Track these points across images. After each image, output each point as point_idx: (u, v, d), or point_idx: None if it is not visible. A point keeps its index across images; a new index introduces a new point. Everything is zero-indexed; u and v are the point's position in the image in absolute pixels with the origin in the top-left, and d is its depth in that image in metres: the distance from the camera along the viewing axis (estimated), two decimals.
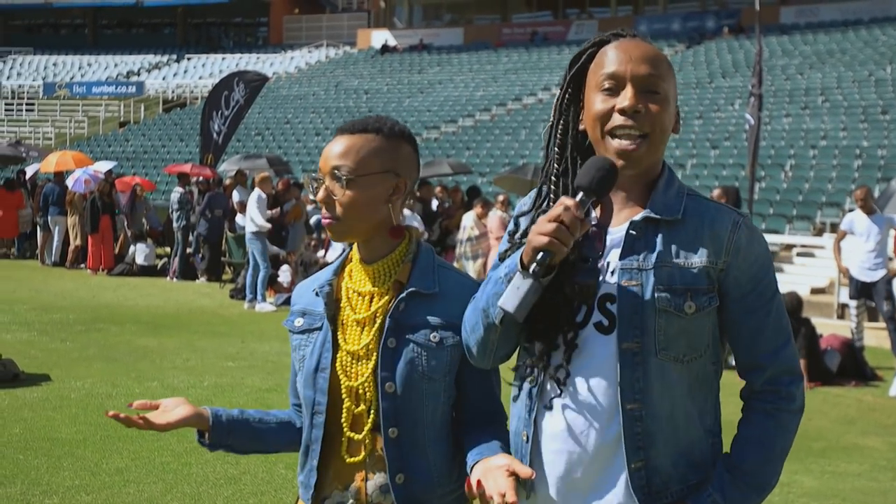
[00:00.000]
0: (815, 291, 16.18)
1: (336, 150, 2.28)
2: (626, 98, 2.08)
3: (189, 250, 18.71)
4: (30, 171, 24.24)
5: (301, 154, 32.49)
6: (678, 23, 45.22)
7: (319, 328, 2.33)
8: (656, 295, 2.06)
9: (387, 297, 2.30)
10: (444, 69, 43.43)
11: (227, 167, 21.82)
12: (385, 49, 49.31)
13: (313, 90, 43.01)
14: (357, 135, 2.29)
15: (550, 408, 2.14)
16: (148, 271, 18.85)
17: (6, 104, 46.44)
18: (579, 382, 2.10)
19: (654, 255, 2.08)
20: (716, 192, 10.41)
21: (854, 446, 7.59)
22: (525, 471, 2.09)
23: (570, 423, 2.11)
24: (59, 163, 21.96)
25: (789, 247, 18.44)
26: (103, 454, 6.49)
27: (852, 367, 10.20)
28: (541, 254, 1.97)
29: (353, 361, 2.29)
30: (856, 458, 7.21)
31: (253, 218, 14.38)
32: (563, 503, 2.13)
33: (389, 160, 2.29)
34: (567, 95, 2.22)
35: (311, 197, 2.35)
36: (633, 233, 2.10)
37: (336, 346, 2.30)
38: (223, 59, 51.14)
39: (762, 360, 2.14)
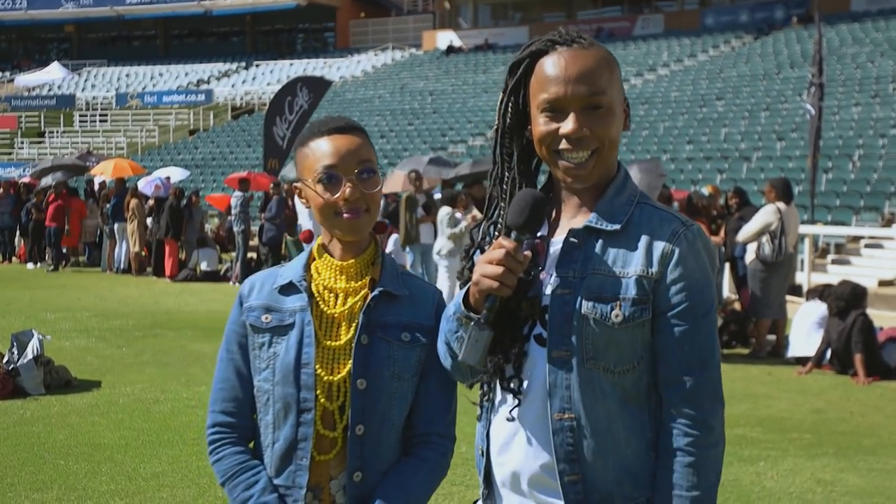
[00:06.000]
0: (883, 284, 15.83)
1: (352, 147, 2.28)
2: (568, 124, 2.03)
3: (251, 255, 18.87)
4: (98, 181, 24.69)
5: None
6: (746, 14, 44.55)
7: (291, 325, 2.29)
8: (585, 303, 2.01)
9: (360, 295, 2.31)
10: None
11: (290, 171, 22.02)
12: (450, 50, 49.40)
13: (378, 93, 43.23)
14: (354, 134, 2.31)
15: (498, 420, 2.13)
16: (211, 276, 19.07)
17: (80, 115, 47.52)
18: (523, 395, 2.09)
19: (589, 263, 2.03)
20: (766, 187, 10.19)
21: None
22: None
23: (513, 436, 2.10)
24: (115, 169, 22.72)
25: (857, 238, 18.06)
26: (142, 459, 6.57)
27: None
28: (489, 300, 2.00)
29: (333, 357, 2.27)
30: None
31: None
32: None
33: (374, 157, 2.36)
34: (510, 104, 2.17)
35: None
36: (574, 240, 2.06)
37: (317, 342, 2.27)
38: (291, 64, 51.63)
39: (683, 376, 2.01)
